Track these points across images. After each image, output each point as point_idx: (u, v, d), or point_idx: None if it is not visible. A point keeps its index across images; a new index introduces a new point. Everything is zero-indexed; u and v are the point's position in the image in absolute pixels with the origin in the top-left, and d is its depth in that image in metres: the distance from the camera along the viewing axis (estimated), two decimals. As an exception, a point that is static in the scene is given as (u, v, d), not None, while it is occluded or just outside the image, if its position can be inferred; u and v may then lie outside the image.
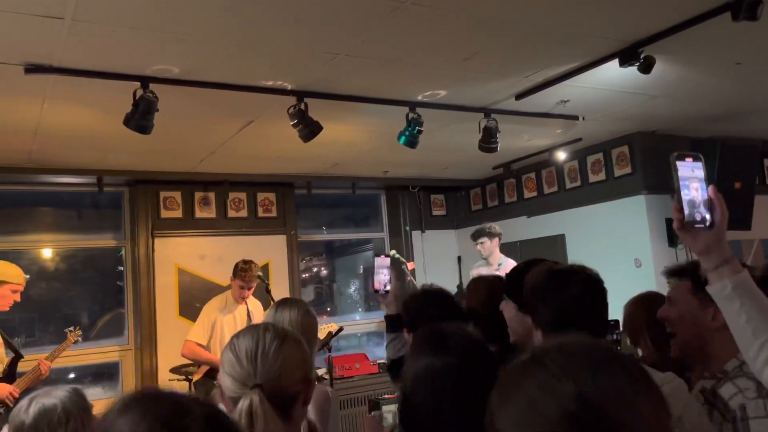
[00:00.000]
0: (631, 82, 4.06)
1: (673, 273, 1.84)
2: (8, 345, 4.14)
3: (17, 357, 4.14)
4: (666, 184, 5.65)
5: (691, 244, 1.26)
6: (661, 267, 1.78)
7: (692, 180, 1.26)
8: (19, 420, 1.78)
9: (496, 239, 5.54)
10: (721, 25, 3.16)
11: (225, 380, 1.36)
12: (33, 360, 4.27)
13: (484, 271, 5.80)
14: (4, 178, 5.46)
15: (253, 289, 4.74)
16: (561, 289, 1.58)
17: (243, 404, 1.24)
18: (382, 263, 2.78)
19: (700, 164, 1.27)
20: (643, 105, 4.72)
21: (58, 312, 6.07)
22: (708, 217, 1.24)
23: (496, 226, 5.59)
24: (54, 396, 1.83)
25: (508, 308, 1.92)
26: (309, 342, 2.24)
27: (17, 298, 4.09)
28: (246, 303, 4.77)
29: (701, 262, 1.27)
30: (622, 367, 0.75)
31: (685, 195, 1.24)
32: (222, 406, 1.59)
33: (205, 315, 4.69)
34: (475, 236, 5.60)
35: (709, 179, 1.28)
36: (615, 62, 3.61)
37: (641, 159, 5.64)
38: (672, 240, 5.54)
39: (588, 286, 1.59)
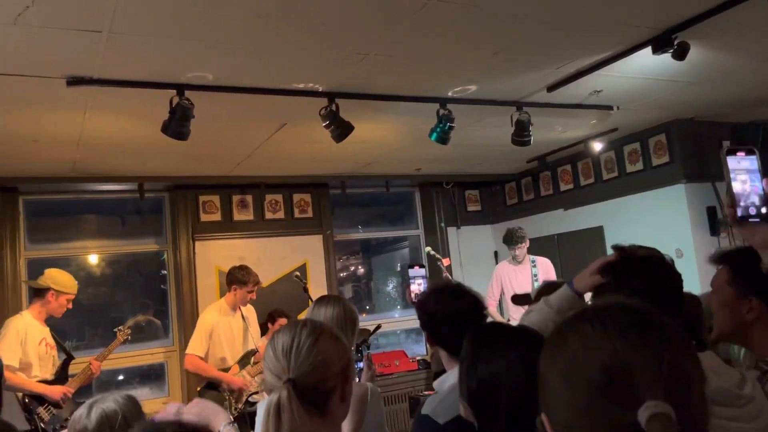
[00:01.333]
0: (666, 70, 3.99)
1: (714, 259, 1.81)
2: (60, 347, 4.31)
3: (69, 358, 4.31)
4: (706, 172, 5.52)
5: (749, 238, 1.24)
6: (703, 257, 1.74)
7: (744, 173, 1.23)
8: (81, 425, 1.81)
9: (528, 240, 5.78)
10: (757, 6, 3.08)
11: (266, 374, 1.40)
12: (83, 362, 4.44)
13: (511, 267, 5.82)
14: (51, 188, 5.67)
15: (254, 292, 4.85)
16: None
17: (272, 398, 1.27)
18: (416, 273, 2.79)
19: (754, 157, 1.25)
20: (679, 92, 4.63)
21: (106, 315, 6.26)
22: (764, 210, 1.21)
23: (523, 228, 5.82)
24: (113, 401, 1.87)
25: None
26: (349, 337, 2.27)
27: (70, 306, 4.28)
28: (240, 310, 4.84)
29: (762, 257, 1.25)
30: (656, 327, 0.83)
31: (737, 188, 1.22)
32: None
33: (202, 326, 4.73)
34: (515, 241, 5.68)
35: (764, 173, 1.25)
36: (648, 50, 3.55)
37: (680, 147, 5.52)
38: (714, 229, 5.42)
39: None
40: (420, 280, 2.76)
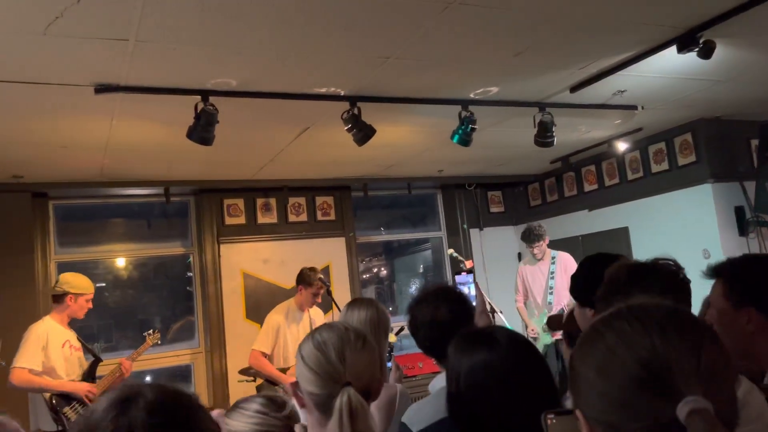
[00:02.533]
0: (692, 68, 3.94)
1: (708, 273, 1.75)
2: (86, 349, 4.39)
3: (96, 360, 4.39)
4: (734, 171, 5.43)
5: None
6: (710, 267, 1.70)
7: None
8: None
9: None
10: (784, 3, 3.03)
11: (307, 375, 1.40)
12: (112, 364, 4.51)
13: (530, 269, 5.80)
14: (79, 193, 5.79)
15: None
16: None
17: (341, 401, 1.30)
18: (464, 279, 2.76)
19: None
20: (705, 91, 4.56)
21: (134, 318, 6.37)
22: None
23: (542, 226, 5.77)
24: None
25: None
26: (380, 339, 2.29)
27: (90, 305, 4.37)
28: (308, 310, 4.86)
29: None
30: (692, 325, 0.85)
31: None
32: (294, 402, 1.64)
33: (270, 323, 4.77)
34: (533, 239, 5.66)
35: None
36: (673, 49, 3.51)
37: (706, 146, 5.44)
38: (742, 229, 5.33)
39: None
40: (468, 286, 2.73)
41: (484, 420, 1.38)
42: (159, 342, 4.84)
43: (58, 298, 4.26)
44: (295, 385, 1.45)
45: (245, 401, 1.62)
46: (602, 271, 2.00)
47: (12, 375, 3.96)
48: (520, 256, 7.44)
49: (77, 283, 4.29)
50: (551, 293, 5.63)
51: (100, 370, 4.43)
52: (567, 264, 5.64)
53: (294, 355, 4.98)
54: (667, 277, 1.55)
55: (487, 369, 1.40)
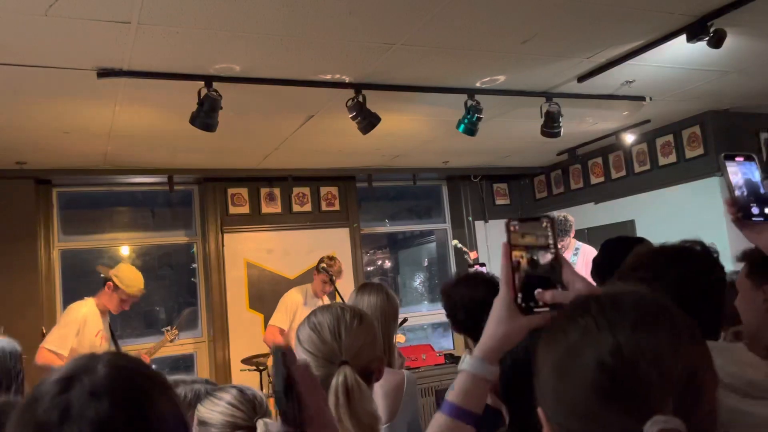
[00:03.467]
0: (701, 59, 3.88)
1: (739, 257, 1.74)
2: (113, 340, 4.29)
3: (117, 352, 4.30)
4: (742, 165, 5.37)
5: (755, 239, 1.21)
6: (738, 252, 1.69)
7: (746, 174, 1.25)
8: None
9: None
10: (798, -9, 2.98)
11: (303, 357, 1.39)
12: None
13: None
14: (83, 180, 5.78)
15: (334, 284, 4.78)
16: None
17: (337, 380, 1.28)
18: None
19: (753, 163, 1.26)
20: (714, 82, 4.50)
21: (137, 307, 6.36)
22: (767, 210, 1.21)
23: (569, 219, 5.33)
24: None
25: None
26: (388, 324, 2.28)
27: (125, 307, 4.20)
28: (323, 298, 4.84)
29: None
30: (669, 323, 0.73)
31: (738, 189, 1.23)
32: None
33: (287, 302, 4.76)
34: (565, 232, 5.29)
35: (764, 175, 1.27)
36: (682, 38, 3.46)
37: (714, 139, 5.38)
38: (751, 223, 5.28)
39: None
40: None
41: (526, 398, 1.35)
42: (177, 338, 4.82)
43: (105, 281, 4.13)
44: None
45: (220, 390, 1.60)
46: (623, 254, 1.98)
47: (38, 354, 3.84)
48: (524, 249, 7.39)
49: (124, 275, 4.11)
50: None
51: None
52: (590, 258, 5.49)
53: None
54: (708, 257, 1.47)
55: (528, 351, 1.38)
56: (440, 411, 0.98)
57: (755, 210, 1.20)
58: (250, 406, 1.52)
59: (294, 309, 4.72)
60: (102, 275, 4.17)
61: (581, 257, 5.53)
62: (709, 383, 0.72)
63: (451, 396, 0.98)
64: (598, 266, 2.05)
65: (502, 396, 1.42)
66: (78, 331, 3.95)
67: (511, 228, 0.98)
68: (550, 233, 0.97)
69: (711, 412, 0.72)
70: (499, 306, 0.97)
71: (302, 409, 0.83)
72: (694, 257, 1.43)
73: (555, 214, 5.59)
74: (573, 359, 0.72)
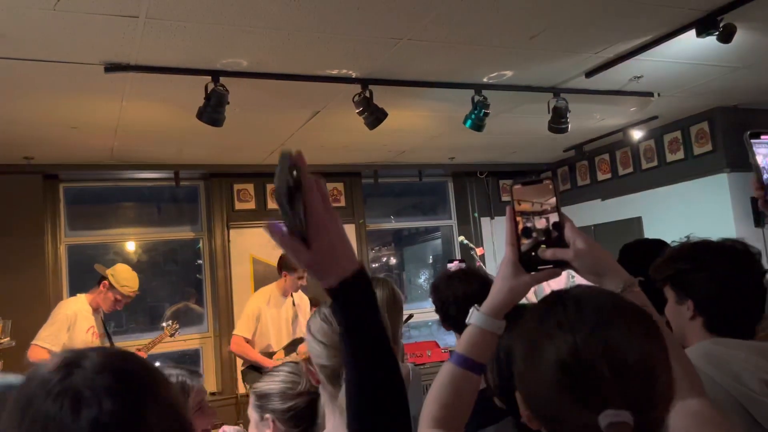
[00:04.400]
0: (710, 54, 3.86)
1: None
2: (107, 336, 4.33)
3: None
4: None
5: None
6: (752, 246, 1.63)
7: None
8: None
9: None
10: (809, -15, 2.95)
11: (316, 348, 1.41)
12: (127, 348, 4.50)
13: None
14: (90, 176, 5.79)
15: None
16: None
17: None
18: None
19: None
20: (723, 78, 4.47)
21: (143, 302, 6.37)
22: None
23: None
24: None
25: None
26: (395, 320, 2.27)
27: (119, 307, 4.23)
28: (292, 296, 4.81)
29: None
30: (625, 321, 0.79)
31: (765, 172, 1.20)
32: (296, 378, 1.66)
33: (251, 308, 4.69)
34: None
35: None
36: (692, 33, 3.43)
37: (723, 135, 5.35)
38: (759, 220, 5.24)
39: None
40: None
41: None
42: (177, 333, 4.82)
43: (100, 280, 4.16)
44: (307, 361, 1.46)
45: (275, 369, 1.79)
46: (642, 257, 1.96)
47: (30, 351, 3.88)
48: (531, 246, 7.37)
49: (120, 276, 4.14)
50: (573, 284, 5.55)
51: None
52: None
53: (275, 341, 4.95)
54: (751, 256, 1.45)
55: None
56: (449, 361, 1.05)
57: None
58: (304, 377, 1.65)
59: (257, 314, 4.68)
60: (99, 275, 4.19)
61: None
62: (664, 377, 0.78)
63: (460, 348, 1.05)
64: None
65: (499, 389, 1.41)
66: (69, 327, 3.98)
67: (515, 190, 1.01)
68: (553, 194, 1.00)
69: (663, 406, 0.78)
70: (504, 265, 1.03)
71: (309, 214, 0.81)
72: (739, 255, 1.43)
73: None
74: (538, 356, 0.79)
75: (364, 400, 0.86)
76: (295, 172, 0.80)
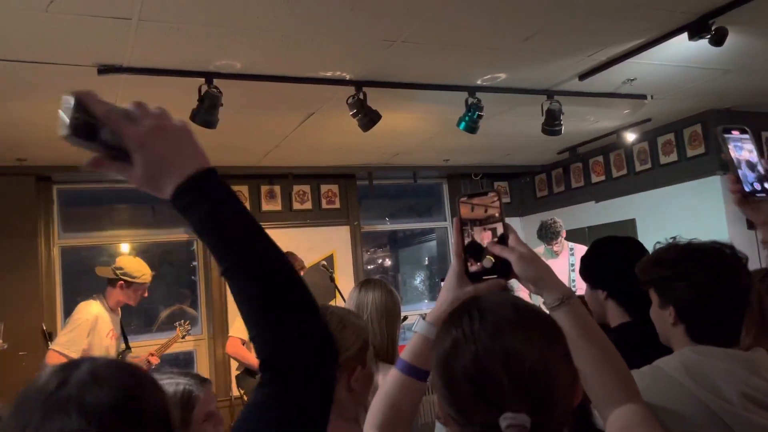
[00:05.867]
0: (703, 57, 3.87)
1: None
2: (123, 338, 4.26)
3: (126, 350, 4.26)
4: (744, 164, 5.35)
5: (753, 216, 1.19)
6: (740, 251, 1.60)
7: (744, 152, 1.21)
8: None
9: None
10: (800, -11, 2.97)
11: None
12: (139, 351, 4.47)
13: (548, 262, 5.54)
14: (83, 177, 5.76)
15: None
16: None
17: None
18: None
19: (747, 136, 1.23)
20: (715, 81, 4.49)
21: (138, 305, 6.34)
22: (767, 185, 1.18)
23: (557, 221, 5.45)
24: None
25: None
26: (392, 321, 2.26)
27: (146, 294, 4.18)
28: None
29: (763, 234, 1.20)
30: (524, 328, 0.84)
31: (739, 167, 1.19)
32: None
33: None
34: (551, 237, 5.39)
35: (759, 151, 1.24)
36: (684, 36, 3.45)
37: (716, 138, 5.36)
38: (751, 222, 5.26)
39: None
40: None
41: None
42: (189, 333, 4.81)
43: (112, 281, 4.06)
44: None
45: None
46: (614, 253, 1.96)
47: (48, 356, 3.80)
48: (525, 248, 7.38)
49: (131, 269, 4.05)
50: (574, 286, 5.54)
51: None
52: None
53: None
54: (736, 262, 1.40)
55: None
56: (395, 367, 1.11)
57: (757, 186, 1.18)
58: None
59: None
60: (106, 276, 4.08)
61: (578, 257, 5.52)
62: (563, 381, 0.83)
63: (405, 355, 1.10)
64: (585, 264, 2.02)
65: None
66: (89, 332, 3.88)
67: (461, 203, 1.06)
68: (498, 205, 1.05)
69: (566, 406, 0.83)
70: (450, 276, 1.07)
71: (117, 135, 0.81)
72: (723, 260, 1.38)
73: (544, 221, 5.51)
74: (446, 364, 0.85)
75: (254, 296, 0.80)
76: (83, 111, 0.81)
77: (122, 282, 4.02)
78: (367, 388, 1.43)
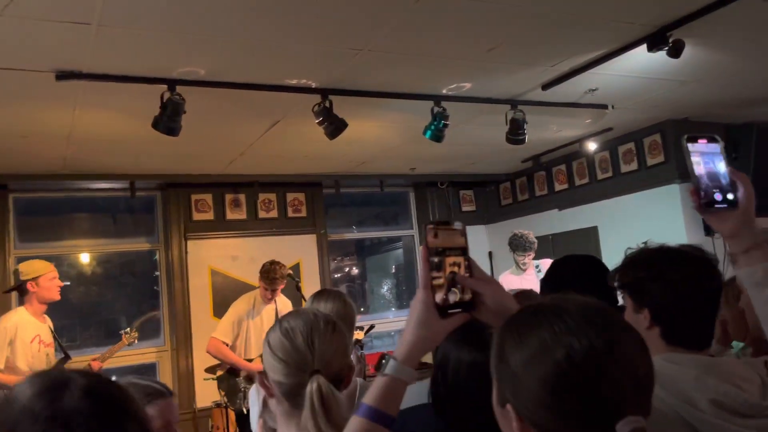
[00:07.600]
0: (661, 68, 3.97)
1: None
2: (58, 345, 4.21)
3: (65, 358, 4.22)
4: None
5: (718, 226, 1.18)
6: (709, 252, 1.61)
7: (708, 161, 1.18)
8: None
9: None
10: (752, 5, 3.07)
11: (274, 364, 1.34)
12: (82, 361, 4.37)
13: (515, 279, 5.46)
14: (42, 186, 5.62)
15: (278, 290, 4.70)
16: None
17: (311, 389, 1.25)
18: None
19: (716, 145, 1.19)
20: (673, 91, 4.61)
21: (98, 315, 6.20)
22: (731, 197, 1.16)
23: (531, 235, 5.49)
24: None
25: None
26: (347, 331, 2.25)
27: (59, 283, 4.16)
28: (275, 302, 4.77)
29: (729, 246, 1.18)
30: (630, 334, 0.83)
31: (701, 177, 1.17)
32: (253, 390, 1.60)
33: (232, 314, 4.68)
34: (524, 248, 5.40)
35: (744, 166, 1.23)
36: (643, 48, 3.53)
37: (674, 147, 5.51)
38: (708, 229, 5.41)
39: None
40: None
41: (463, 416, 1.34)
42: (135, 341, 4.72)
43: (22, 290, 4.06)
44: (263, 374, 1.39)
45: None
46: (570, 271, 1.98)
47: None
48: (490, 255, 7.46)
49: (31, 268, 4.08)
50: None
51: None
52: None
53: (255, 348, 4.90)
54: (708, 263, 1.41)
55: (473, 369, 1.34)
56: (357, 414, 0.99)
57: (718, 197, 1.15)
58: None
59: (239, 320, 4.65)
60: (13, 287, 4.14)
61: (544, 272, 5.50)
62: (652, 385, 0.82)
63: (368, 399, 0.99)
64: (546, 283, 2.04)
65: (438, 409, 1.40)
66: (9, 341, 3.88)
67: (428, 231, 1.03)
68: (463, 237, 1.04)
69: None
70: (419, 308, 1.00)
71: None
72: (695, 262, 1.39)
73: (518, 232, 5.54)
74: (546, 356, 0.79)
75: None
76: None
77: (31, 283, 4.03)
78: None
